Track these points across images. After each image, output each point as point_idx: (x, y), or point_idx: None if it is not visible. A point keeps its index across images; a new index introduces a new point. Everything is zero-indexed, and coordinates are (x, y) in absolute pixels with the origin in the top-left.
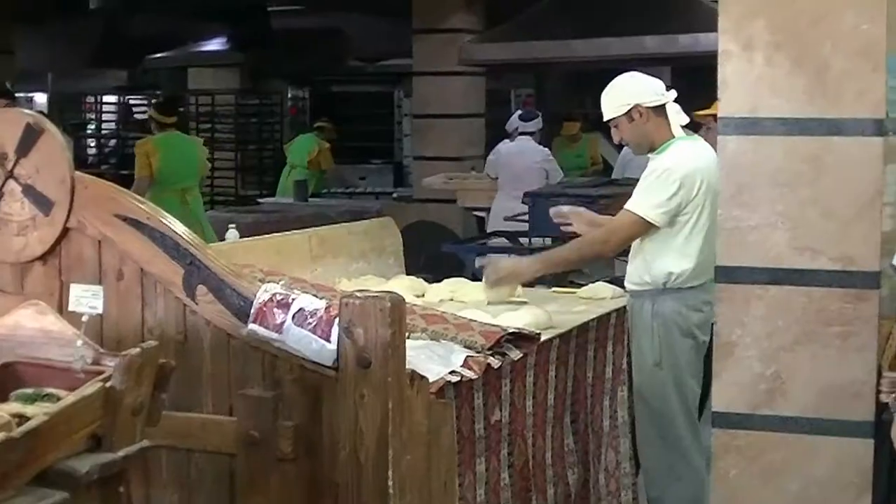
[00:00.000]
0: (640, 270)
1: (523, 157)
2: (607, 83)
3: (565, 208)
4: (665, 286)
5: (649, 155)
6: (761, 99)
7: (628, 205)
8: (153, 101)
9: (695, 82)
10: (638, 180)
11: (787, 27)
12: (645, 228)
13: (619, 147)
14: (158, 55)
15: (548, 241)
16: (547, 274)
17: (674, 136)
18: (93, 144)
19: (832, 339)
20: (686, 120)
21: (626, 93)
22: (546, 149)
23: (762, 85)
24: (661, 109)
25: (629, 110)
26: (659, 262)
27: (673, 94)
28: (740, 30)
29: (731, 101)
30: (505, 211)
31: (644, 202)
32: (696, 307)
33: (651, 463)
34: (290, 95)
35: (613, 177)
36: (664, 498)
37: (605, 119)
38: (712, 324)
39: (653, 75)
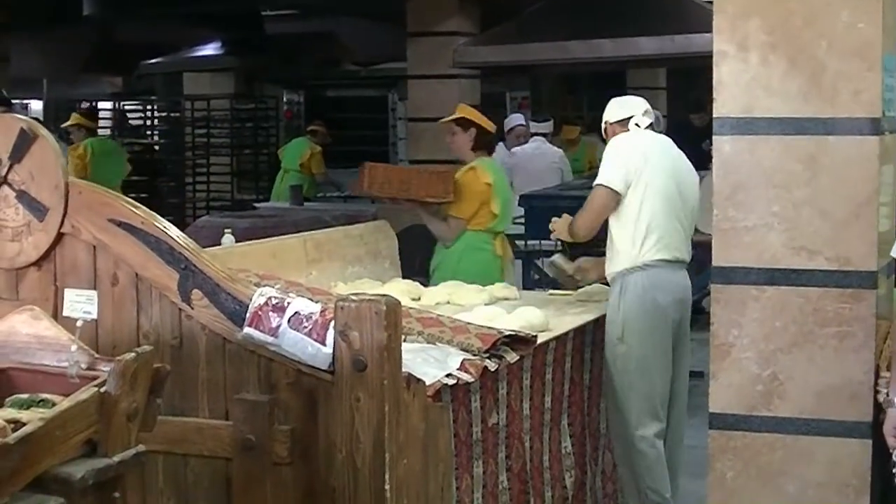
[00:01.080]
0: (610, 257)
1: (542, 158)
2: (602, 85)
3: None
4: (631, 264)
5: None
6: (756, 99)
7: (597, 179)
8: (80, 108)
9: (690, 83)
10: None
11: (781, 27)
12: (608, 196)
13: None
14: (153, 61)
15: (545, 243)
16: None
17: None
18: None
19: (829, 340)
20: (646, 123)
21: (604, 115)
22: (559, 149)
23: (757, 85)
24: (625, 122)
25: (605, 129)
26: (620, 244)
27: (646, 107)
28: (735, 30)
29: (726, 101)
30: (520, 212)
31: (601, 176)
32: (662, 285)
33: (612, 434)
34: (285, 100)
35: None
36: (624, 472)
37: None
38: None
39: (649, 77)
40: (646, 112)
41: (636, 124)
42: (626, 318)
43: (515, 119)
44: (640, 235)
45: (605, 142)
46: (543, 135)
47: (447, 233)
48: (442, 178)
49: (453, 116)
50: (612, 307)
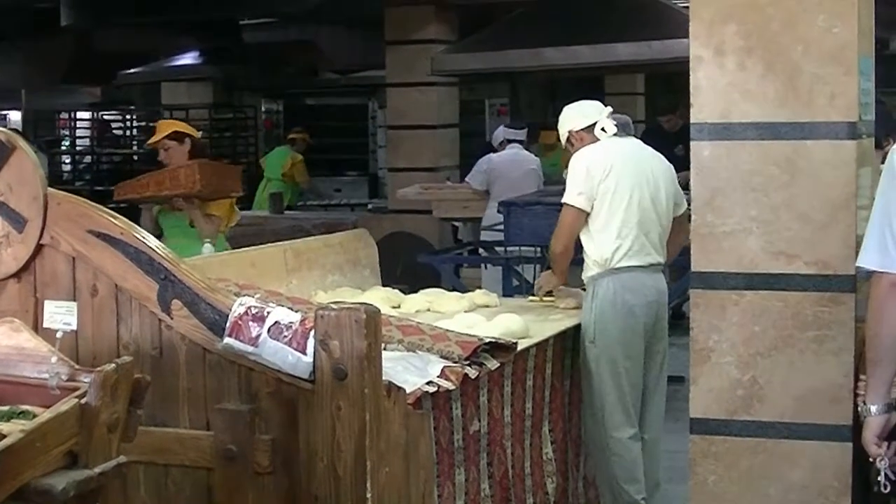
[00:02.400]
0: (586, 263)
1: (519, 164)
2: (581, 91)
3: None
4: (602, 270)
5: None
6: (733, 104)
7: (564, 198)
8: None
9: (668, 88)
10: None
11: (758, 32)
12: (576, 215)
13: None
14: (131, 71)
15: (525, 249)
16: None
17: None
18: (67, 161)
19: (809, 344)
20: (612, 130)
21: (562, 124)
22: (535, 156)
23: (734, 90)
24: (591, 128)
25: (568, 138)
26: (592, 250)
27: (608, 109)
28: (711, 35)
29: (703, 106)
30: (497, 219)
31: (567, 194)
32: (633, 288)
33: (587, 437)
34: (263, 109)
35: None
36: (600, 474)
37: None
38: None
39: (627, 83)
40: (609, 115)
41: (602, 129)
42: (597, 320)
43: (503, 132)
44: (609, 245)
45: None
46: (520, 141)
47: (207, 229)
48: (189, 171)
49: (164, 134)
50: (585, 310)
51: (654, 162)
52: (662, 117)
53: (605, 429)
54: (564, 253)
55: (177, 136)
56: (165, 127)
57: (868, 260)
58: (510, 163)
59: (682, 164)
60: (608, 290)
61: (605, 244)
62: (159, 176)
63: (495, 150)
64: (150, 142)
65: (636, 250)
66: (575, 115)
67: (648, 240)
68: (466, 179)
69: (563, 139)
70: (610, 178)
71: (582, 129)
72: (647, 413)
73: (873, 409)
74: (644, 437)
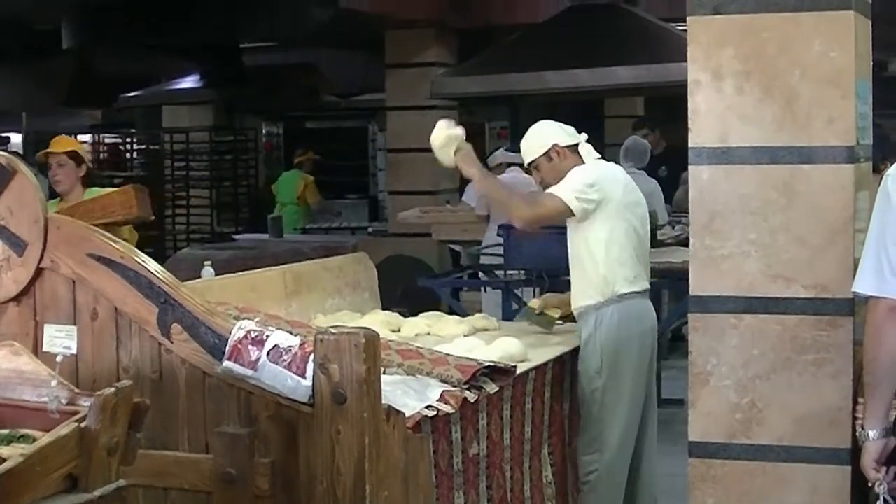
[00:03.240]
0: (580, 291)
1: (516, 187)
2: (581, 114)
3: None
4: (605, 298)
5: None
6: (732, 128)
7: (555, 190)
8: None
9: (668, 112)
10: None
11: (755, 56)
12: (561, 211)
13: None
14: (132, 94)
15: (524, 272)
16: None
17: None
18: None
19: (807, 367)
20: (597, 156)
21: (544, 135)
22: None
23: (732, 114)
24: (575, 148)
25: (548, 150)
26: (593, 276)
27: (584, 136)
28: (709, 59)
29: (701, 130)
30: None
31: (566, 188)
32: (637, 316)
33: (584, 461)
34: (264, 131)
35: None
36: (593, 497)
37: (527, 163)
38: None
39: (626, 106)
40: (630, 140)
41: (587, 153)
42: (604, 350)
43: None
44: (612, 270)
45: (527, 167)
46: (520, 165)
47: None
48: (125, 197)
49: (65, 148)
50: (589, 341)
51: (637, 189)
52: (638, 132)
53: (604, 455)
54: (526, 226)
55: (75, 157)
56: (65, 143)
57: (864, 285)
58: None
59: (665, 184)
60: (612, 318)
61: (609, 271)
62: (89, 205)
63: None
64: (47, 151)
65: (636, 276)
66: (559, 131)
67: (642, 265)
68: (464, 199)
69: (537, 153)
70: (612, 203)
71: (567, 147)
72: (644, 435)
73: (871, 433)
74: (642, 460)
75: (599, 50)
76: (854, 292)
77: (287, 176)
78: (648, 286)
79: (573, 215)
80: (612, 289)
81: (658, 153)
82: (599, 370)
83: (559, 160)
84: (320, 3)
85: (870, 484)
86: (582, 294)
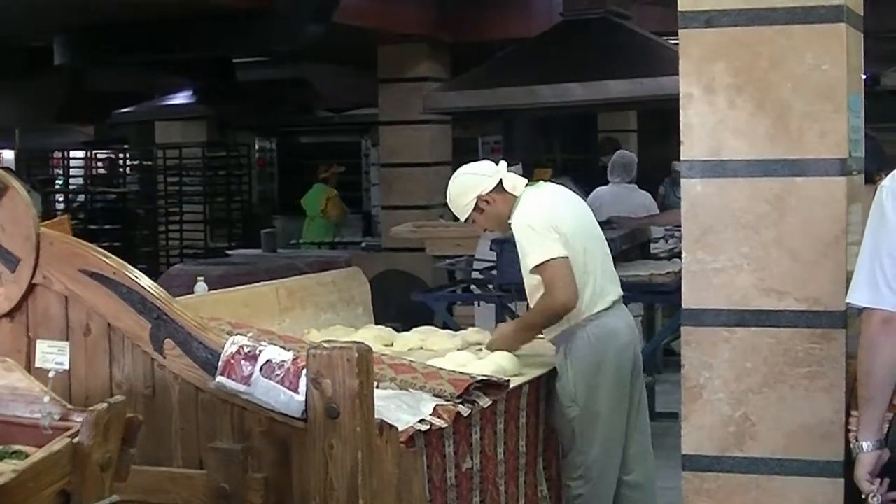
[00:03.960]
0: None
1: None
2: (574, 127)
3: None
4: (569, 325)
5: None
6: (724, 141)
7: (534, 261)
8: None
9: (661, 125)
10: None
11: (747, 70)
12: (564, 266)
13: (587, 192)
14: (125, 110)
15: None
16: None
17: (516, 197)
18: (61, 199)
19: (800, 380)
20: (524, 182)
21: (465, 192)
22: None
23: (724, 127)
24: (499, 186)
25: (476, 203)
26: None
27: (503, 165)
28: (701, 73)
29: (694, 143)
30: (491, 256)
31: (539, 248)
32: (608, 334)
33: (571, 493)
34: (257, 147)
35: None
36: None
37: (462, 221)
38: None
39: (619, 120)
40: (506, 167)
41: (512, 185)
42: (576, 378)
43: None
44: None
45: (576, 182)
46: None
47: None
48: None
49: None
50: (561, 370)
51: (580, 200)
52: (605, 157)
53: (586, 485)
54: (570, 307)
55: None
56: None
57: (858, 297)
58: None
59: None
60: (584, 342)
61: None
62: None
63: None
64: None
65: (597, 293)
66: (476, 180)
67: (605, 276)
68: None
69: (467, 210)
70: (555, 231)
71: (491, 191)
72: (630, 453)
73: (865, 445)
74: (626, 479)
75: (592, 64)
76: (848, 304)
77: (313, 190)
78: (618, 295)
79: (567, 256)
80: (579, 313)
81: None
82: (574, 398)
83: (491, 207)
84: (313, 19)
85: (864, 496)
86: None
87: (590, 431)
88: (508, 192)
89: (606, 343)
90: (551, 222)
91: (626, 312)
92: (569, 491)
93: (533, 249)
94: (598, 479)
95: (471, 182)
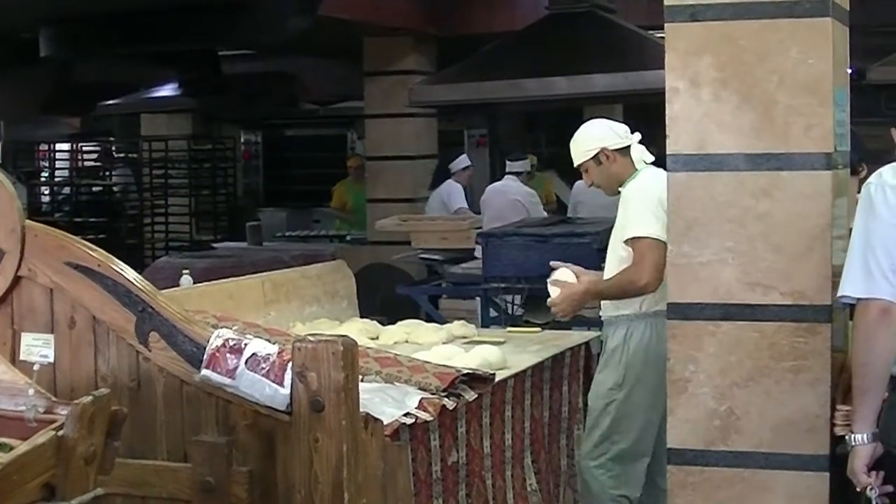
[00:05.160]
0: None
1: (505, 195)
2: (559, 121)
3: (559, 274)
4: (636, 312)
5: (620, 189)
6: (709, 135)
7: (635, 233)
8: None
9: (647, 119)
10: (587, 219)
11: (733, 64)
12: (664, 248)
13: (571, 185)
14: (110, 102)
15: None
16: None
17: (637, 169)
18: (46, 192)
19: (785, 374)
20: (651, 158)
21: (592, 138)
22: (531, 190)
23: (710, 121)
24: (626, 150)
25: (596, 154)
26: None
27: (637, 136)
28: (687, 67)
29: (679, 137)
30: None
31: (647, 223)
32: (664, 336)
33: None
34: (242, 140)
35: (567, 215)
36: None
37: (576, 164)
38: None
39: (605, 114)
40: (638, 139)
41: (643, 161)
42: (630, 365)
43: (463, 161)
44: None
45: (561, 176)
46: (517, 174)
47: None
48: None
49: None
50: (613, 353)
51: None
52: (514, 162)
53: (612, 472)
54: (655, 286)
55: None
56: None
57: (852, 289)
58: (498, 193)
59: None
60: (643, 336)
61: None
62: None
63: (451, 177)
64: None
65: (663, 293)
66: (608, 132)
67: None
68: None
69: (585, 156)
70: (665, 214)
71: (616, 149)
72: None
73: (860, 437)
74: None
75: (577, 58)
76: (840, 297)
77: (339, 185)
78: None
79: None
80: (645, 305)
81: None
82: (620, 384)
83: (608, 164)
84: (299, 11)
85: (859, 489)
86: (615, 302)
87: (628, 420)
88: (631, 161)
89: (663, 345)
90: (665, 204)
91: None
92: (589, 472)
93: (639, 220)
94: (627, 468)
95: (603, 132)
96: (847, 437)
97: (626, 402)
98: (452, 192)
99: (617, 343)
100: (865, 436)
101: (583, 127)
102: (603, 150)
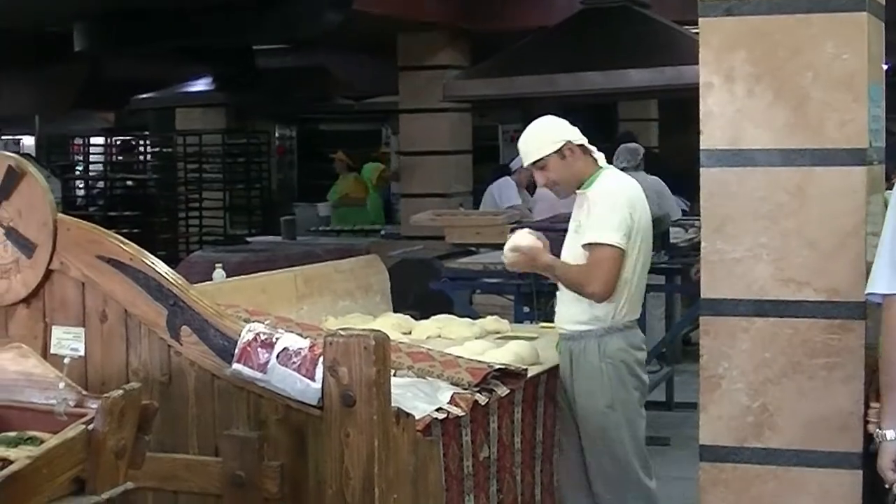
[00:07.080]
0: (578, 311)
1: (503, 193)
2: (594, 117)
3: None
4: (606, 325)
5: (577, 191)
6: (743, 130)
7: (595, 238)
8: None
9: (682, 114)
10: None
11: (767, 59)
12: (619, 260)
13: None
14: (144, 96)
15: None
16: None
17: (600, 167)
18: (80, 186)
19: (818, 371)
20: (602, 157)
21: (556, 129)
22: None
23: (744, 117)
24: (585, 148)
25: (561, 147)
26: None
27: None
28: (721, 62)
29: (713, 132)
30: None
31: (610, 230)
32: (637, 346)
33: (608, 497)
34: (277, 134)
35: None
36: None
37: (534, 160)
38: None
39: (640, 109)
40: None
41: (600, 157)
42: (614, 385)
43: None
44: (619, 298)
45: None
46: (507, 172)
47: None
48: None
49: None
50: (592, 373)
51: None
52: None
53: (630, 485)
54: (605, 298)
55: None
56: None
57: (881, 285)
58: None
59: None
60: (619, 349)
61: (617, 292)
62: None
63: (509, 174)
64: None
65: (635, 302)
66: (570, 127)
67: (641, 285)
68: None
69: (549, 149)
70: (637, 222)
71: (579, 146)
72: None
73: (889, 433)
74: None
75: (612, 53)
76: (868, 294)
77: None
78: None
79: (624, 251)
80: (615, 317)
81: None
82: (611, 405)
83: (572, 159)
84: (333, 6)
85: (887, 485)
86: (578, 316)
87: (623, 436)
88: (592, 159)
89: (641, 353)
90: (631, 208)
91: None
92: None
93: (602, 226)
94: (625, 485)
95: (566, 125)
96: (875, 434)
97: (619, 418)
98: (504, 188)
99: (593, 360)
100: (893, 432)
101: (539, 122)
102: (568, 143)
